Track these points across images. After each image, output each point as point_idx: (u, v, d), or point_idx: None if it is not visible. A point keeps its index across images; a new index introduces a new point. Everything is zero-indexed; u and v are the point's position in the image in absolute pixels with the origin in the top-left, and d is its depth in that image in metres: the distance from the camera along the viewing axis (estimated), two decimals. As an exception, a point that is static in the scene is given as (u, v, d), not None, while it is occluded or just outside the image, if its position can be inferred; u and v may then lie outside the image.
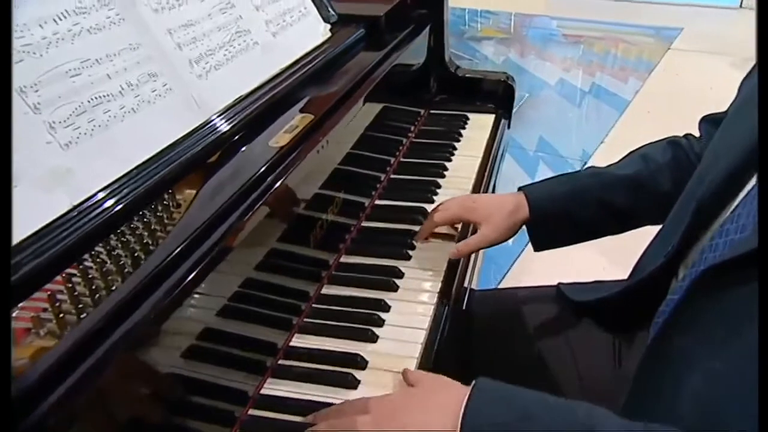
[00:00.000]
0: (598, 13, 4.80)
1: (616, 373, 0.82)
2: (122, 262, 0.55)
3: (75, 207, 0.53)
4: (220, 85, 0.74)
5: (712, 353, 0.54)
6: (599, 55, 4.11)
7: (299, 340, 0.73)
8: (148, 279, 0.52)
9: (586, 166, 2.68)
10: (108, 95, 0.59)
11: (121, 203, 0.56)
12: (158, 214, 0.60)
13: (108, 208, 0.55)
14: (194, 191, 0.64)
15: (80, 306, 0.50)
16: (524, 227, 0.86)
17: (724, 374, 0.52)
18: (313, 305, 0.78)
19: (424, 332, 0.74)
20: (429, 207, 0.97)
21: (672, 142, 0.86)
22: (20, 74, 0.52)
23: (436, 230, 0.89)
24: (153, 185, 0.59)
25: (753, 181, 0.58)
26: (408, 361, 0.69)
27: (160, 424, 0.55)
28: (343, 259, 0.86)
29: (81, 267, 0.52)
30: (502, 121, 1.31)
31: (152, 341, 0.53)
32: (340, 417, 0.59)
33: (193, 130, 0.67)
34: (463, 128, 1.25)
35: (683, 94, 3.36)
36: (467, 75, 1.35)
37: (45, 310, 0.49)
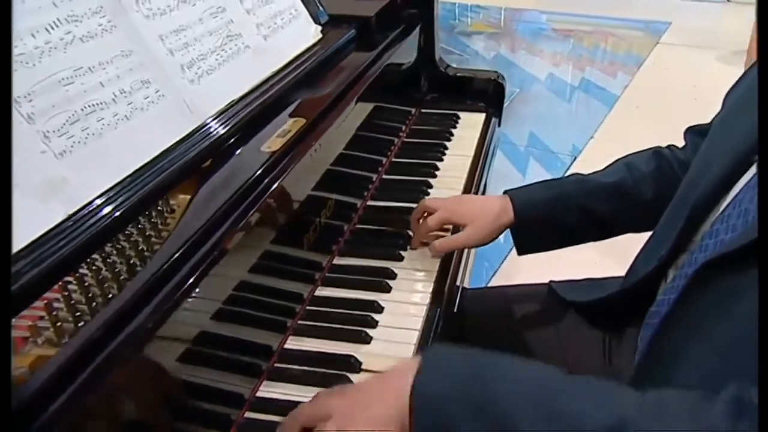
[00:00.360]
0: (587, 6, 4.82)
1: (606, 369, 0.83)
2: (118, 269, 0.55)
3: (70, 216, 0.53)
4: (213, 89, 0.74)
5: (709, 348, 0.56)
6: (589, 49, 4.13)
7: (294, 343, 0.73)
8: (145, 285, 0.53)
9: (576, 162, 2.71)
10: (101, 103, 0.59)
11: (116, 211, 0.56)
12: (152, 220, 0.61)
13: (103, 216, 0.55)
14: (188, 196, 0.65)
15: (77, 314, 0.50)
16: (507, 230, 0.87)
17: (719, 369, 0.54)
18: (307, 307, 0.78)
19: (417, 333, 0.75)
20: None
21: (656, 153, 0.88)
22: (14, 84, 0.52)
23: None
24: (148, 192, 0.60)
25: (741, 184, 0.61)
26: (402, 361, 0.70)
27: (158, 428, 0.56)
28: (336, 260, 0.87)
29: (77, 275, 0.53)
30: (493, 119, 1.32)
31: (149, 347, 0.54)
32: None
33: (186, 135, 0.68)
34: (454, 127, 1.26)
35: (672, 88, 3.38)
36: (458, 74, 1.36)
37: (42, 318, 0.50)
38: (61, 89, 0.56)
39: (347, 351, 0.71)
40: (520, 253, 0.87)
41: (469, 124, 1.27)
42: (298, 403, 0.65)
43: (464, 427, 0.50)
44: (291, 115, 0.80)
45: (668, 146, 0.89)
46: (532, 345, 0.87)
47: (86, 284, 0.53)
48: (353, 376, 0.68)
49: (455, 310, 0.86)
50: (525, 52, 4.13)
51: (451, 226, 0.91)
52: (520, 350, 0.87)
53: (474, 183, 1.09)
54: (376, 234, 0.93)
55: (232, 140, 0.72)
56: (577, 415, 0.48)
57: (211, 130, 0.71)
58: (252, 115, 0.76)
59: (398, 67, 1.21)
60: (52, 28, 0.57)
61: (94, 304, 0.51)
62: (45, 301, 0.50)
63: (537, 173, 2.63)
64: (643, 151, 0.89)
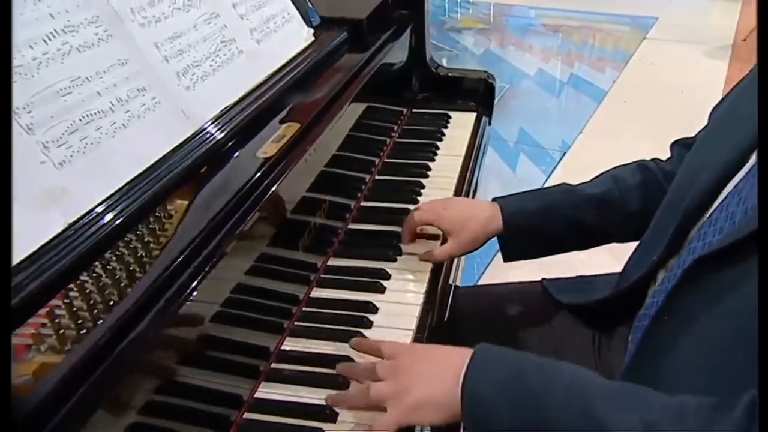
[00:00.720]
0: (575, 2, 4.83)
1: (597, 366, 0.85)
2: (118, 275, 0.56)
3: (71, 225, 0.54)
4: (208, 95, 0.75)
5: (699, 343, 0.59)
6: (577, 45, 4.15)
7: (291, 344, 0.74)
8: (146, 291, 0.54)
9: (565, 157, 2.73)
10: (99, 112, 0.60)
11: (117, 219, 0.57)
12: (150, 226, 0.62)
13: (104, 224, 0.56)
14: (185, 202, 0.66)
15: (79, 321, 0.51)
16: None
17: (709, 363, 0.57)
18: (304, 309, 0.79)
19: (411, 332, 0.76)
20: (413, 207, 0.99)
21: (641, 165, 0.89)
22: (13, 96, 0.52)
23: (422, 231, 0.91)
24: (147, 199, 0.60)
25: (728, 190, 0.63)
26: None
27: (159, 430, 0.57)
28: (331, 262, 0.87)
29: (78, 282, 0.53)
30: (483, 118, 1.33)
31: (151, 351, 0.55)
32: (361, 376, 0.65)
33: (182, 142, 0.68)
34: (446, 127, 1.26)
35: (659, 83, 3.41)
36: (449, 74, 1.37)
37: (44, 325, 0.50)
38: (59, 99, 0.56)
39: (344, 351, 0.72)
40: (507, 260, 0.88)
41: (460, 124, 1.28)
42: (296, 403, 0.67)
43: (507, 424, 0.56)
44: (285, 120, 0.81)
45: (653, 159, 0.90)
46: (524, 342, 0.88)
47: (87, 291, 0.53)
48: (350, 377, 0.69)
49: (448, 309, 0.87)
50: (514, 48, 4.15)
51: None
52: (513, 347, 0.88)
53: (465, 183, 1.10)
54: (369, 235, 0.94)
55: (228, 146, 0.73)
56: (609, 417, 0.53)
57: (207, 136, 0.71)
58: (247, 120, 0.77)
59: (390, 67, 1.22)
60: (50, 39, 0.57)
61: (95, 311, 0.52)
62: (47, 309, 0.50)
63: (527, 169, 2.65)
64: (629, 164, 0.91)
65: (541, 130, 2.98)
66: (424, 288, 0.83)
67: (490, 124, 1.36)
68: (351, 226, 0.95)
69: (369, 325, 0.76)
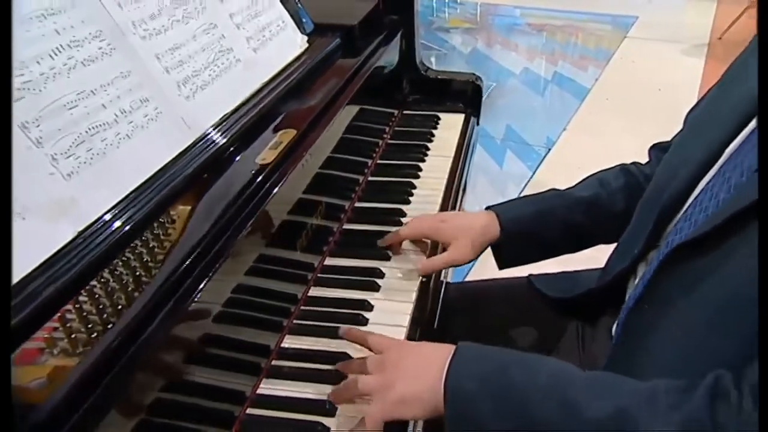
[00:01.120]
0: (558, 1, 4.84)
1: (581, 357, 0.86)
2: (125, 280, 0.57)
3: (80, 234, 0.54)
4: (207, 104, 0.75)
5: (678, 328, 0.61)
6: (561, 44, 4.16)
7: (290, 341, 0.75)
8: (154, 294, 0.55)
9: (550, 153, 2.74)
10: (104, 124, 0.60)
11: (125, 226, 0.58)
12: (155, 231, 0.62)
13: (112, 232, 0.57)
14: (188, 207, 0.66)
15: (89, 325, 0.52)
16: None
17: (688, 347, 0.59)
18: (302, 307, 0.80)
19: (404, 329, 0.77)
20: (405, 208, 1.00)
21: (623, 169, 0.91)
22: (22, 111, 0.53)
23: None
24: (152, 207, 0.61)
25: (701, 186, 0.66)
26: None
27: (167, 427, 0.58)
28: (328, 261, 0.88)
29: (87, 287, 0.54)
30: (472, 119, 1.34)
31: (159, 351, 0.56)
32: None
33: (184, 150, 0.69)
34: (435, 128, 1.27)
35: (638, 81, 3.43)
36: (438, 77, 1.37)
37: (56, 329, 0.51)
38: (66, 113, 0.57)
39: (341, 348, 0.73)
40: (502, 267, 0.89)
41: (449, 125, 1.29)
42: (297, 398, 0.68)
43: (489, 417, 0.57)
44: (282, 126, 0.82)
45: (633, 163, 0.92)
46: (512, 336, 0.90)
47: (96, 296, 0.54)
48: (347, 372, 0.70)
49: (440, 305, 0.88)
50: (500, 47, 4.15)
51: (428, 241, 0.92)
52: (501, 340, 0.90)
53: (455, 182, 1.11)
54: (364, 234, 0.94)
55: (228, 153, 0.74)
56: (585, 406, 0.54)
57: (208, 143, 0.72)
58: (246, 127, 0.78)
59: (381, 70, 1.22)
60: (56, 54, 0.57)
61: (104, 315, 0.53)
62: (59, 314, 0.51)
63: (513, 165, 2.67)
64: (611, 168, 0.92)
65: (527, 127, 2.99)
66: (416, 285, 0.84)
67: (478, 124, 1.37)
68: (346, 226, 0.96)
69: (365, 322, 0.78)
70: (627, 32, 4.19)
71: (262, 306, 0.74)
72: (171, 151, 0.67)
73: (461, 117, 1.32)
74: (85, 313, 0.53)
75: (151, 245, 0.61)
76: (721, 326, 0.56)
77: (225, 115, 0.77)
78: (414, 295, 0.83)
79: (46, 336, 0.50)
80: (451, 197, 1.07)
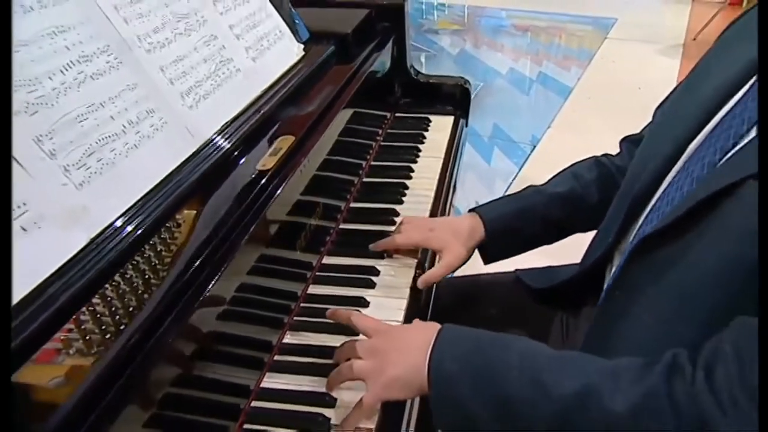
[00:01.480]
0: (542, 3, 4.85)
1: (564, 345, 0.88)
2: (135, 283, 0.58)
3: (92, 240, 0.55)
4: (209, 113, 0.76)
5: (647, 313, 0.62)
6: (545, 44, 4.17)
7: (291, 337, 0.76)
8: (164, 296, 0.56)
9: (535, 151, 2.76)
10: (113, 135, 0.61)
11: (134, 232, 0.58)
12: (161, 235, 0.63)
13: (122, 238, 0.57)
14: (192, 212, 0.67)
15: (102, 327, 0.53)
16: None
17: (656, 331, 0.61)
18: (302, 305, 0.81)
19: (399, 324, 0.78)
20: (398, 207, 1.02)
21: (596, 161, 0.92)
22: (36, 125, 0.54)
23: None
24: (159, 213, 0.62)
25: (668, 179, 0.67)
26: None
27: (177, 419, 0.59)
28: (325, 260, 0.89)
29: (100, 290, 0.55)
30: (461, 121, 1.35)
31: (169, 349, 0.56)
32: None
33: (188, 157, 0.70)
34: (426, 130, 1.28)
35: (619, 80, 3.45)
36: (429, 81, 1.38)
37: (71, 331, 0.52)
38: (77, 125, 0.57)
39: (339, 343, 0.74)
40: (487, 262, 0.90)
41: (440, 127, 1.30)
42: (298, 391, 0.69)
43: (469, 395, 0.59)
44: (281, 132, 0.82)
45: (604, 155, 0.93)
46: (499, 327, 0.91)
47: (108, 298, 0.55)
48: (345, 365, 0.71)
49: (432, 300, 0.89)
50: (487, 48, 4.16)
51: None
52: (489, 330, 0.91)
53: (445, 182, 1.12)
54: (359, 234, 0.95)
55: (230, 159, 0.74)
56: (553, 384, 0.56)
57: (211, 151, 0.73)
58: (246, 133, 0.78)
59: (374, 75, 1.23)
60: (67, 70, 0.58)
61: (117, 316, 0.54)
62: (74, 316, 0.52)
63: (500, 162, 2.68)
64: (584, 160, 0.93)
65: (513, 125, 3.01)
66: (409, 282, 0.85)
67: (466, 125, 1.39)
68: (342, 226, 0.97)
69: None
70: (607, 33, 4.21)
71: (264, 304, 0.75)
72: (176, 158, 0.68)
73: (451, 119, 1.33)
74: (98, 315, 0.54)
75: (159, 249, 0.62)
76: (685, 311, 0.58)
77: (226, 122, 0.78)
78: (407, 291, 0.84)
79: (62, 337, 0.51)
80: (442, 196, 1.08)
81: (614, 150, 0.97)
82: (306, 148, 0.82)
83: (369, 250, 0.90)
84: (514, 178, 2.51)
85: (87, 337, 0.52)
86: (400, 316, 0.79)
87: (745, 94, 0.62)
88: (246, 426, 0.66)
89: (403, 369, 0.64)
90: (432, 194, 1.07)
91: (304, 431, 0.65)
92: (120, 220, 0.59)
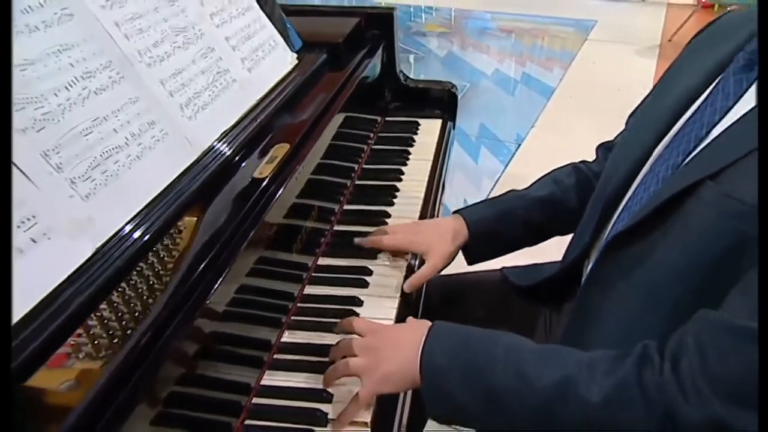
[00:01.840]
0: (525, 6, 4.87)
1: (547, 340, 0.90)
2: (140, 288, 0.58)
3: (98, 249, 0.56)
4: (208, 123, 0.76)
5: (619, 308, 0.65)
6: (528, 46, 4.19)
7: (289, 336, 0.77)
8: (169, 299, 0.57)
9: (520, 149, 2.78)
10: (116, 147, 0.61)
11: (138, 241, 0.59)
12: (164, 242, 0.64)
13: (127, 246, 0.58)
14: (193, 218, 0.68)
15: (110, 331, 0.54)
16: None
17: (628, 325, 0.64)
18: (298, 305, 0.82)
19: (392, 321, 0.79)
20: (389, 209, 1.03)
21: (575, 167, 0.94)
22: (43, 140, 0.54)
23: None
24: (162, 221, 0.62)
25: (637, 181, 0.69)
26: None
27: (183, 417, 0.60)
28: (320, 261, 0.90)
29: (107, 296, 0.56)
30: (449, 124, 1.36)
31: (175, 350, 0.57)
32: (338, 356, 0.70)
33: (188, 166, 0.70)
34: (416, 134, 1.29)
35: (599, 80, 3.48)
36: (418, 86, 1.39)
37: (80, 335, 0.53)
38: (82, 139, 0.58)
39: (335, 341, 0.75)
40: (471, 263, 0.91)
41: (428, 131, 1.31)
42: (297, 388, 0.70)
43: (458, 387, 0.61)
44: (277, 140, 0.83)
45: (582, 161, 0.95)
46: (487, 323, 0.93)
47: (115, 304, 0.56)
48: (341, 362, 0.73)
49: (422, 298, 0.91)
50: (473, 49, 4.17)
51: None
52: (477, 326, 0.93)
53: (434, 184, 1.13)
54: (353, 235, 0.95)
55: (228, 167, 0.75)
56: (535, 375, 0.59)
57: (210, 159, 0.73)
58: (243, 142, 0.79)
59: (364, 80, 1.24)
60: (71, 86, 0.58)
61: (123, 321, 0.55)
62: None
63: (487, 160, 2.70)
64: (564, 166, 0.95)
65: (499, 124, 3.03)
66: (400, 282, 0.86)
67: (454, 128, 1.40)
68: (336, 228, 0.98)
69: (355, 316, 0.80)
70: (588, 35, 4.24)
71: (263, 305, 0.76)
72: (177, 168, 0.69)
73: (438, 122, 1.34)
74: (105, 320, 0.55)
75: (161, 255, 0.62)
76: (652, 305, 0.61)
77: (224, 132, 0.79)
78: (399, 290, 0.85)
79: (72, 342, 0.52)
80: (431, 198, 1.09)
81: (595, 146, 0.98)
82: (301, 155, 0.82)
83: (362, 251, 0.91)
84: (500, 176, 2.53)
85: (95, 342, 0.52)
86: (392, 314, 0.81)
87: (705, 99, 0.64)
88: (248, 422, 0.67)
89: (396, 364, 0.65)
90: (422, 196, 1.07)
91: (303, 426, 0.66)
92: (124, 229, 0.59)
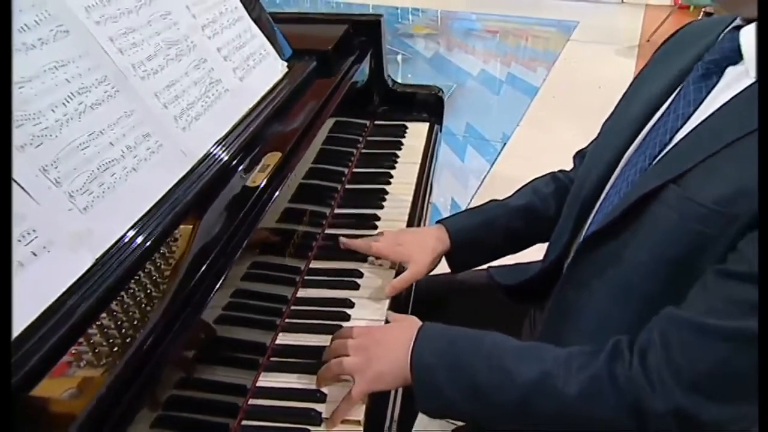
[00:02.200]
0: (509, 7, 4.88)
1: (532, 337, 0.92)
2: (138, 296, 0.59)
3: (98, 260, 0.56)
4: (202, 133, 0.77)
5: (593, 304, 0.67)
6: (512, 47, 4.21)
7: (283, 338, 0.78)
8: (168, 305, 0.58)
9: (506, 148, 2.80)
10: (113, 160, 0.62)
11: (136, 251, 0.60)
12: (161, 250, 0.65)
13: (127, 256, 0.59)
14: (189, 227, 0.68)
15: (110, 340, 0.54)
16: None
17: (600, 320, 0.66)
18: (292, 307, 0.83)
19: (382, 322, 0.80)
20: (379, 212, 1.04)
21: (553, 176, 0.95)
22: (41, 155, 0.54)
23: None
24: (159, 230, 0.63)
25: (610, 184, 0.71)
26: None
27: (182, 419, 0.60)
28: (313, 264, 0.91)
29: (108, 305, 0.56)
30: (435, 127, 1.37)
31: (174, 355, 0.58)
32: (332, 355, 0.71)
33: (183, 176, 0.71)
34: (404, 137, 1.30)
35: (581, 79, 3.51)
36: (406, 90, 1.40)
37: (80, 344, 0.54)
38: (79, 153, 0.58)
39: (328, 342, 0.76)
40: (455, 271, 0.93)
41: (416, 134, 1.32)
42: (292, 389, 0.71)
43: (446, 384, 0.64)
44: (269, 148, 0.83)
45: (560, 171, 0.96)
46: (473, 321, 0.94)
47: (114, 312, 0.57)
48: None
49: (412, 298, 0.92)
50: (459, 50, 4.18)
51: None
52: (464, 324, 0.94)
53: (422, 186, 1.14)
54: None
55: (222, 176, 0.75)
56: (516, 371, 0.61)
57: (204, 169, 0.74)
58: (237, 150, 0.79)
59: (353, 85, 1.24)
60: (68, 101, 0.59)
61: (122, 329, 0.55)
62: (82, 330, 0.54)
63: (474, 159, 2.72)
64: (543, 176, 0.96)
65: (485, 123, 3.04)
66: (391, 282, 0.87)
67: (441, 131, 1.41)
68: (327, 231, 0.99)
69: (347, 318, 0.81)
70: (570, 35, 4.26)
71: (257, 308, 0.77)
72: (172, 178, 0.69)
73: (426, 126, 1.35)
74: (105, 329, 0.55)
75: (158, 263, 0.63)
76: (624, 301, 0.63)
77: (218, 140, 0.79)
78: (389, 292, 0.86)
79: (73, 351, 0.52)
80: (419, 200, 1.10)
81: (577, 145, 0.98)
82: (292, 164, 0.83)
83: (353, 254, 0.92)
84: (487, 174, 2.55)
85: (96, 350, 0.53)
86: (383, 315, 0.81)
87: (669, 105, 0.66)
88: (244, 422, 0.68)
89: (387, 364, 0.67)
90: (410, 199, 1.08)
91: (299, 425, 0.67)
92: (123, 239, 0.60)
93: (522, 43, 4.26)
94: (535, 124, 3.00)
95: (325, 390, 0.70)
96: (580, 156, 0.95)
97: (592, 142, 0.86)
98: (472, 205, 2.25)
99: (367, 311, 0.82)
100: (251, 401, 0.70)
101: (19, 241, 0.50)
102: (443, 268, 0.94)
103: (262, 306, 0.79)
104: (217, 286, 0.64)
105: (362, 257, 0.92)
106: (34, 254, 0.51)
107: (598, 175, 0.72)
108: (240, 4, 0.98)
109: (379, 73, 1.37)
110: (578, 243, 0.72)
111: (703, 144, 0.56)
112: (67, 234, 0.54)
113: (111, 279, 0.56)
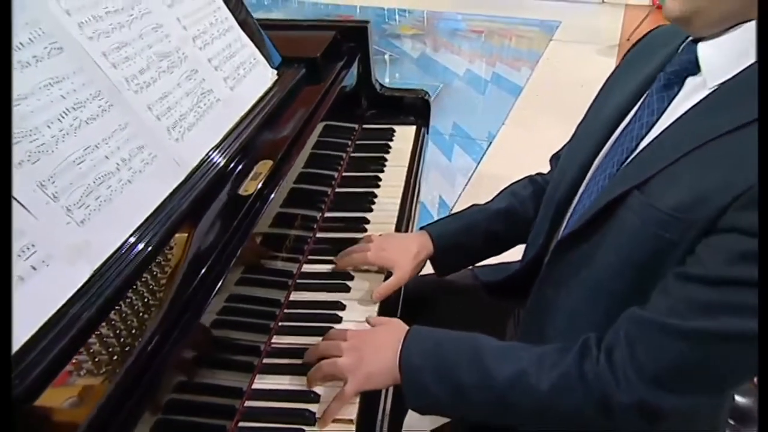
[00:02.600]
0: (494, 8, 4.89)
1: (515, 334, 0.94)
2: (135, 305, 0.60)
3: (96, 272, 0.57)
4: (194, 143, 0.77)
5: (567, 303, 0.69)
6: (497, 47, 4.22)
7: (278, 340, 0.79)
8: (167, 311, 0.58)
9: (491, 146, 2.82)
10: (108, 173, 0.62)
11: (133, 262, 0.60)
12: (156, 259, 0.65)
13: (123, 267, 0.59)
14: (184, 235, 0.69)
15: (109, 348, 0.55)
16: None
17: (575, 318, 0.69)
18: (285, 310, 0.83)
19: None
20: (368, 215, 1.05)
21: (531, 180, 0.97)
22: (38, 171, 0.55)
23: None
24: (155, 240, 0.64)
25: (583, 187, 0.73)
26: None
27: (181, 422, 0.61)
28: (305, 268, 0.91)
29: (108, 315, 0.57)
30: (423, 129, 1.38)
31: (172, 360, 0.59)
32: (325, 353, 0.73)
33: (177, 186, 0.71)
34: (391, 140, 1.31)
35: (563, 79, 3.53)
36: (393, 94, 1.41)
37: (80, 353, 0.54)
38: (75, 168, 0.59)
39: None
40: (440, 275, 0.94)
41: (403, 137, 1.32)
42: (286, 390, 0.72)
43: (432, 384, 0.66)
44: (260, 156, 0.84)
45: (537, 173, 0.98)
46: (459, 318, 0.95)
47: (112, 321, 0.57)
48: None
49: (401, 298, 0.93)
50: (445, 50, 4.18)
51: None
52: (451, 322, 0.95)
53: (410, 189, 1.15)
54: (334, 241, 0.97)
55: (215, 185, 0.76)
56: (494, 370, 0.64)
57: (197, 178, 0.74)
58: (229, 159, 0.80)
59: (342, 90, 1.25)
60: (63, 117, 0.59)
61: (121, 338, 0.56)
62: (82, 340, 0.54)
63: (460, 158, 2.73)
64: (521, 179, 0.98)
65: (471, 123, 3.06)
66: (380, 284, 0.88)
67: (428, 133, 1.42)
68: (318, 235, 0.99)
69: (339, 320, 0.82)
70: (552, 35, 4.29)
71: (252, 312, 0.78)
72: (166, 189, 0.70)
73: (413, 129, 1.36)
74: (104, 338, 0.56)
75: (155, 272, 0.64)
76: (595, 300, 0.65)
77: (210, 150, 0.80)
78: (379, 293, 0.87)
79: (74, 360, 0.53)
80: (407, 202, 1.11)
81: (561, 143, 0.99)
82: (283, 171, 0.84)
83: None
84: (473, 173, 2.57)
85: (96, 359, 0.54)
86: (374, 316, 0.83)
87: (635, 113, 0.67)
88: (241, 424, 0.69)
89: (378, 365, 0.69)
90: (398, 201, 1.10)
91: (294, 426, 0.68)
92: (120, 250, 0.60)
93: (506, 43, 4.28)
94: (519, 123, 3.02)
95: (318, 391, 0.71)
96: (556, 158, 0.96)
97: (566, 144, 0.88)
98: (459, 203, 2.29)
99: (357, 313, 0.83)
100: (247, 403, 0.71)
101: (19, 256, 0.50)
102: (431, 269, 0.95)
103: (257, 310, 0.79)
104: (213, 292, 0.65)
105: (353, 260, 0.93)
106: (34, 268, 0.51)
107: (572, 177, 0.74)
108: (230, 15, 0.98)
109: (367, 77, 1.37)
110: (554, 243, 0.74)
111: (664, 152, 0.58)
112: (66, 247, 0.55)
113: (109, 289, 0.57)
